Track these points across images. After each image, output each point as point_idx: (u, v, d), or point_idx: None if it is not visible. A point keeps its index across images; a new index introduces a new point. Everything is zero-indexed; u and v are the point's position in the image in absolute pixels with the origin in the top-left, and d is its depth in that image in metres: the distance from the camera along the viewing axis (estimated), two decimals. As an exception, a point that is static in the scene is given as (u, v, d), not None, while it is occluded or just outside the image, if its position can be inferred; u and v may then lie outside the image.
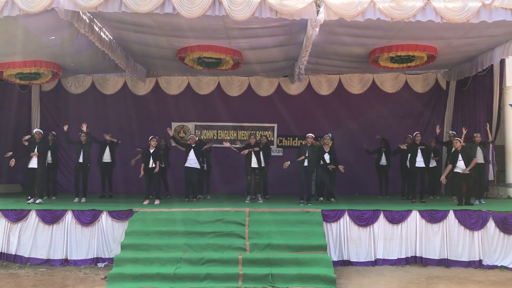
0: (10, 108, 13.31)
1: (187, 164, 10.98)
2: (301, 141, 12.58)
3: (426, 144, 11.59)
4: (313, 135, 10.64)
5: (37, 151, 10.22)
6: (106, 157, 11.93)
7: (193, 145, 11.04)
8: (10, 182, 12.85)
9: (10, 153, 10.45)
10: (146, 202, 10.15)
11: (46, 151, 10.71)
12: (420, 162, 11.05)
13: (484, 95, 12.39)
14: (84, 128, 11.08)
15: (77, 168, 11.20)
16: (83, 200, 10.74)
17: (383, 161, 12.64)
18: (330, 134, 10.97)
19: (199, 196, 11.72)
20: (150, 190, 10.61)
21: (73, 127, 13.03)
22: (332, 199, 10.69)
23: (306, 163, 10.28)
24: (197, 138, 11.53)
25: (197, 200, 11.20)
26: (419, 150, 11.05)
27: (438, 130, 11.89)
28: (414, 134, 11.43)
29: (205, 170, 11.89)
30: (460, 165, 9.91)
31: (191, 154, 10.98)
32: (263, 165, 11.12)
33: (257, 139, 11.94)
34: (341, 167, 10.55)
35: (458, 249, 8.97)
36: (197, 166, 11.05)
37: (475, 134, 11.02)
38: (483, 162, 10.95)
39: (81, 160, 11.05)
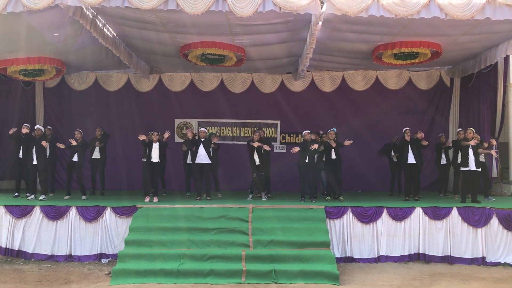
0: (14, 104, 13.30)
1: (197, 160, 10.60)
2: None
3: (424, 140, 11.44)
4: (309, 131, 10.61)
5: (35, 147, 10.27)
6: (95, 153, 11.81)
7: (202, 140, 10.68)
8: (13, 178, 12.84)
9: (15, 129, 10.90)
10: (147, 199, 10.03)
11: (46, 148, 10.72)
12: (411, 158, 10.71)
13: (488, 92, 12.35)
14: (77, 135, 11.03)
15: (70, 166, 11.20)
16: (83, 197, 10.57)
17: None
18: (334, 129, 10.76)
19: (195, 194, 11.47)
20: (150, 186, 10.35)
21: (77, 123, 13.10)
22: (341, 198, 10.40)
23: (307, 160, 10.26)
24: (207, 133, 11.13)
25: (210, 198, 10.66)
26: (409, 147, 10.74)
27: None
28: (404, 130, 11.00)
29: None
30: (471, 160, 9.86)
31: (201, 149, 10.59)
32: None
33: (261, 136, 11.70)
34: (347, 142, 10.47)
35: (461, 246, 8.99)
36: (208, 161, 10.67)
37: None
38: (484, 161, 10.96)
39: (75, 159, 10.96)
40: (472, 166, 9.86)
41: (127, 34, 10.46)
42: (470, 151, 9.88)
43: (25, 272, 8.26)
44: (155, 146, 10.34)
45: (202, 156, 10.63)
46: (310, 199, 10.14)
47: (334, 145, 10.53)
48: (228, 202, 9.63)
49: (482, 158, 10.64)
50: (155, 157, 10.36)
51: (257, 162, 10.72)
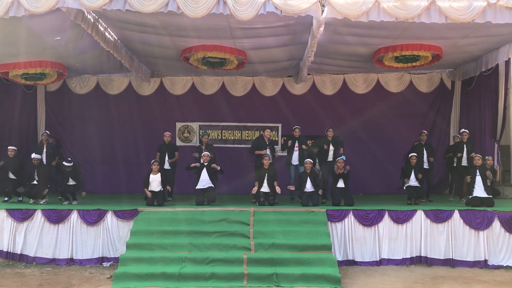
0: (16, 108, 13.33)
1: (198, 186, 10.08)
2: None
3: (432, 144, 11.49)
4: (311, 160, 10.12)
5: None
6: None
7: (205, 164, 10.16)
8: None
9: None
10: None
11: (54, 152, 10.72)
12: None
13: (489, 95, 12.35)
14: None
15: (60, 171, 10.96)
16: (74, 203, 10.42)
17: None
18: (343, 157, 10.13)
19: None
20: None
21: (78, 127, 13.14)
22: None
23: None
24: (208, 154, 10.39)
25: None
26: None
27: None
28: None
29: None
30: (478, 187, 9.60)
31: (204, 175, 10.09)
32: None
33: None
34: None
35: (463, 249, 8.97)
36: (211, 185, 10.14)
37: (486, 157, 10.36)
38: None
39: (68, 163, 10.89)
40: (477, 193, 9.54)
41: (128, 37, 10.48)
42: (478, 178, 9.62)
43: (26, 276, 8.27)
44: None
45: (205, 182, 10.12)
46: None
47: (340, 171, 9.94)
48: (229, 206, 9.61)
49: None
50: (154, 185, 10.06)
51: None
